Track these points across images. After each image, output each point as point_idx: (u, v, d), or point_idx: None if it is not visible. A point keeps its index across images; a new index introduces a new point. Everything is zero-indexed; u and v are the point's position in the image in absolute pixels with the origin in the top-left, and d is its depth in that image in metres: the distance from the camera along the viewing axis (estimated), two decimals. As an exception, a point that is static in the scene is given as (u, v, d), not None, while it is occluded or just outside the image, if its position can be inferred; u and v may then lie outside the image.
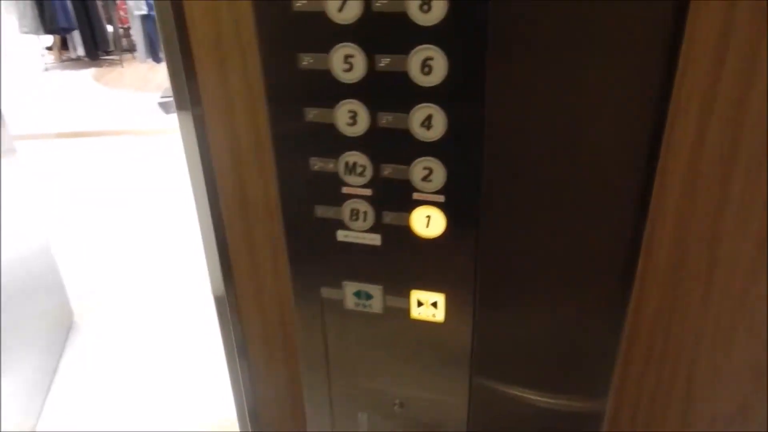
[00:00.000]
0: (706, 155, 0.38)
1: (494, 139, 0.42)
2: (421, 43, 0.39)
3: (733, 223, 0.38)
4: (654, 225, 0.42)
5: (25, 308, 1.65)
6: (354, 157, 0.44)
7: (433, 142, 0.42)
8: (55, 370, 1.80)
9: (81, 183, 3.13)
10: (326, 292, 0.51)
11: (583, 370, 0.50)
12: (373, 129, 0.43)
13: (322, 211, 0.47)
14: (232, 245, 0.56)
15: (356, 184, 0.45)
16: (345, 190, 0.46)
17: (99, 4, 5.20)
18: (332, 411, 0.57)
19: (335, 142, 0.44)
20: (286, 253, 0.50)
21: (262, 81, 0.43)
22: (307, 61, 0.42)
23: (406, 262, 0.48)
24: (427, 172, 0.43)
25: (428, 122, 0.42)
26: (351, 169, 0.45)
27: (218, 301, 0.60)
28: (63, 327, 1.95)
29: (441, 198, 0.44)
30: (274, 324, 0.60)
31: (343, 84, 0.42)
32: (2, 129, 1.70)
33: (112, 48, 5.44)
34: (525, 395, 0.53)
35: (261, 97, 0.46)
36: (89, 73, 5.23)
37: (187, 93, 0.49)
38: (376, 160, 0.44)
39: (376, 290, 0.49)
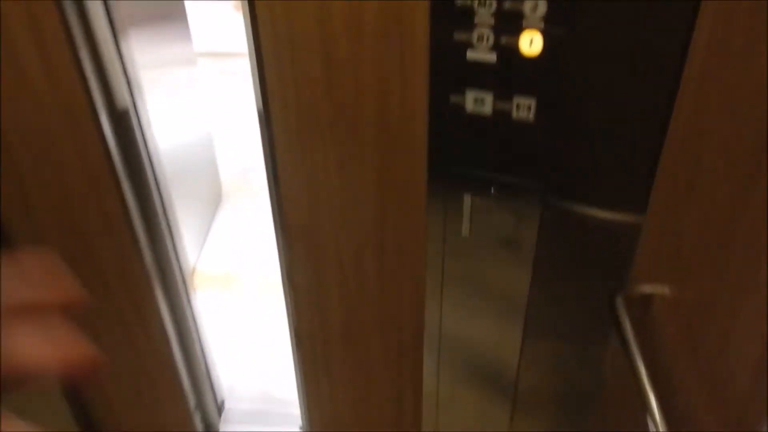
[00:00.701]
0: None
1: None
2: None
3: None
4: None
5: (188, 181, 2.06)
6: (485, -6, 0.66)
7: (541, -18, 0.63)
8: (208, 229, 2.24)
9: (230, 93, 3.57)
10: (453, 98, 0.74)
11: (630, 181, 0.70)
12: (501, -27, 0.64)
13: (458, 35, 0.70)
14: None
15: (485, 14, 0.67)
16: (476, 19, 0.68)
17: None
18: (445, 193, 0.82)
19: (474, -16, 0.66)
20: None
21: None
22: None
23: (512, 75, 0.69)
24: (535, 4, 0.64)
25: (539, -32, 0.62)
26: (482, 3, 0.67)
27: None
28: (215, 198, 2.39)
29: (542, 25, 0.65)
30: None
31: (485, -60, 0.63)
32: (189, 43, 2.09)
33: (252, -20, 5.90)
34: (586, 210, 0.74)
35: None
36: (230, 4, 5.73)
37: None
38: (501, -4, 0.66)
39: (488, 96, 0.72)
